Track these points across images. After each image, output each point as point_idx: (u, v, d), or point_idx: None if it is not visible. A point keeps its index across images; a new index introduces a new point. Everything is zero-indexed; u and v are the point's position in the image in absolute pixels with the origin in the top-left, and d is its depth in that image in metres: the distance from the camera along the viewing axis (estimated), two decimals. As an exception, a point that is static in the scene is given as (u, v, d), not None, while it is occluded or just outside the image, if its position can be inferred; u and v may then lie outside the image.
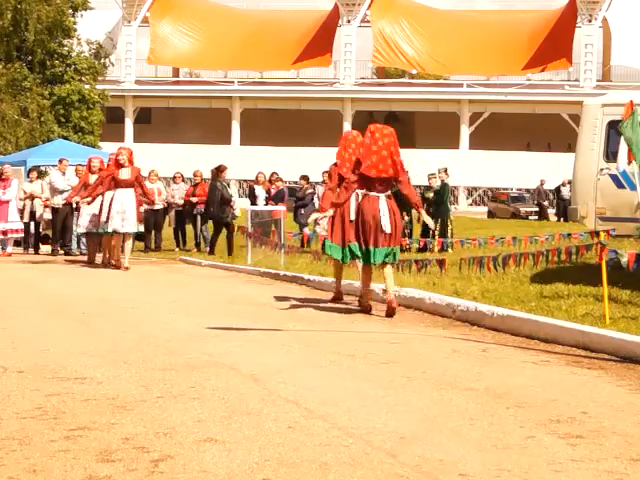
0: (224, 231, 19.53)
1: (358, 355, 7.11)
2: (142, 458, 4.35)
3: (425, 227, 20.18)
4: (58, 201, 20.25)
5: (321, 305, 10.69)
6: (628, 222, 15.21)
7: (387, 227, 9.98)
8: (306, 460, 4.32)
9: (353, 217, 10.29)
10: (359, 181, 10.15)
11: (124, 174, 16.06)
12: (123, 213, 15.92)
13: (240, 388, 5.85)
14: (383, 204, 10.11)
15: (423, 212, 11.28)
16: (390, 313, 9.68)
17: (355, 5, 55.07)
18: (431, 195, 20.48)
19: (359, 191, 10.29)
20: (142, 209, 17.74)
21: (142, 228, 17.27)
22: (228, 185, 20.63)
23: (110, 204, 15.99)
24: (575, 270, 11.55)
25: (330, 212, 10.54)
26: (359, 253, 10.10)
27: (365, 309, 10.13)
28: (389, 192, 10.28)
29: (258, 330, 8.42)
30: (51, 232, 21.61)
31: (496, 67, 53.00)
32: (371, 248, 9.97)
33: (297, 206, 21.61)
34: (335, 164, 11.15)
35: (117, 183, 16.05)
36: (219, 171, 20.13)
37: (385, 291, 10.04)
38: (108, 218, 15.99)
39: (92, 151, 27.05)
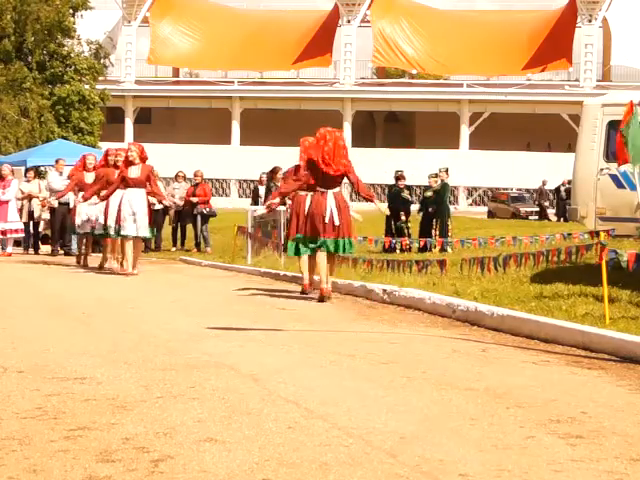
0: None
1: (358, 355, 7.11)
2: (142, 458, 4.35)
3: (423, 227, 20.22)
4: (55, 201, 20.25)
5: (293, 295, 11.81)
6: (628, 222, 15.20)
7: (336, 220, 11.21)
8: (306, 460, 4.32)
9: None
10: (311, 178, 11.44)
11: (133, 172, 14.77)
12: (134, 215, 14.68)
13: (240, 388, 5.85)
14: (331, 199, 11.28)
15: (377, 202, 12.22)
16: (322, 299, 10.97)
17: (355, 5, 55.06)
18: (428, 194, 20.52)
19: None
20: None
21: (152, 232, 16.04)
22: (394, 186, 20.04)
23: (119, 205, 14.76)
24: (575, 270, 11.55)
25: (277, 200, 12.54)
26: (309, 245, 11.35)
27: (320, 297, 11.13)
28: (337, 189, 11.45)
29: (258, 330, 8.42)
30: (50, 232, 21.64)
31: (496, 67, 53.00)
32: (321, 238, 11.20)
33: None
34: (297, 166, 12.46)
35: (126, 182, 14.74)
36: (274, 173, 19.75)
37: (320, 281, 11.22)
38: (118, 220, 14.75)
39: (92, 151, 27.05)
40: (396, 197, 20.80)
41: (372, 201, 11.93)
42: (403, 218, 20.11)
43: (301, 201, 11.69)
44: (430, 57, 54.16)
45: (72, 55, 37.50)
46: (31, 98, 35.01)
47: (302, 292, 11.82)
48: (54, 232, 21.08)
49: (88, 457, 4.37)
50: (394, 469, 4.20)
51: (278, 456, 4.38)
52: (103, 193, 15.17)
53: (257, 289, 12.46)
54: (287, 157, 50.26)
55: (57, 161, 21.22)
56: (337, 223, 11.20)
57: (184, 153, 50.33)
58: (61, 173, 20.90)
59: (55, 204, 19.92)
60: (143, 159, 14.90)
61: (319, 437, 4.71)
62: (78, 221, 16.74)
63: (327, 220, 11.18)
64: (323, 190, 11.35)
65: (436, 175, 20.95)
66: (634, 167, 11.54)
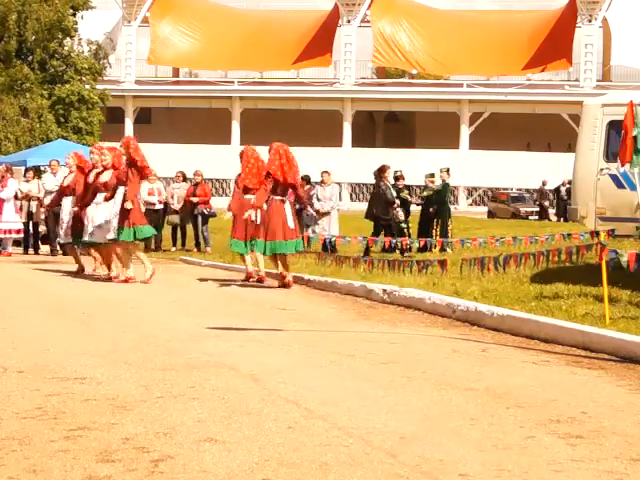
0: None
1: (358, 355, 7.11)
2: (142, 458, 4.35)
3: (422, 227, 20.21)
4: (47, 202, 20.18)
5: (239, 283, 13.53)
6: (628, 222, 15.20)
7: (291, 224, 12.87)
8: (306, 460, 4.32)
9: (259, 219, 13.01)
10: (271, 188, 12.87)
11: (104, 177, 13.97)
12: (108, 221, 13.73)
13: (240, 388, 5.85)
14: (288, 206, 12.97)
15: (309, 208, 15.28)
16: (287, 286, 12.70)
17: (355, 5, 55.03)
18: (425, 194, 20.49)
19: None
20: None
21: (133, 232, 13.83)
22: (393, 186, 19.67)
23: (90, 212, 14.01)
24: (575, 270, 11.56)
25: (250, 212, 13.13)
26: (262, 249, 12.92)
27: (284, 285, 12.83)
28: (287, 196, 13.05)
29: (258, 330, 8.42)
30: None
31: (496, 67, 52.98)
32: (282, 241, 12.77)
33: (300, 207, 20.85)
34: (240, 175, 14.02)
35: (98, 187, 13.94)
36: (381, 171, 19.18)
37: (282, 273, 12.96)
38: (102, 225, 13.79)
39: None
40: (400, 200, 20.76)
41: (306, 206, 14.96)
42: (402, 218, 20.07)
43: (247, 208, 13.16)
44: (430, 57, 54.13)
45: (72, 55, 37.52)
46: (31, 98, 35.02)
47: (246, 279, 13.75)
48: (49, 232, 21.07)
49: (88, 457, 4.37)
50: (394, 469, 4.20)
51: (278, 456, 4.38)
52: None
53: (215, 279, 13.92)
54: (287, 157, 49.87)
55: (50, 162, 21.15)
56: (292, 227, 12.92)
57: (184, 153, 50.30)
58: (55, 174, 20.82)
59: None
60: (115, 166, 13.95)
61: (319, 437, 4.71)
62: (90, 228, 14.82)
63: (289, 224, 12.84)
64: (282, 198, 12.92)
65: (432, 175, 20.92)
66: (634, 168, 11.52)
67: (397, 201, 19.14)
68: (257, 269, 13.59)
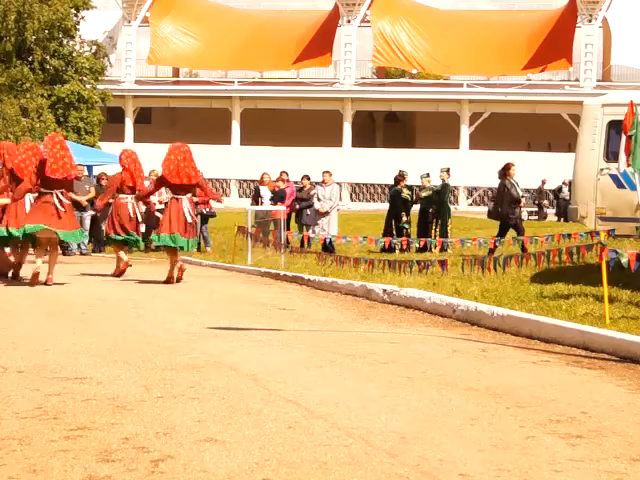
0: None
1: (358, 355, 7.11)
2: (142, 458, 4.35)
3: (422, 227, 20.20)
4: None
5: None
6: (628, 222, 15.21)
7: (189, 220, 13.52)
8: (306, 460, 4.32)
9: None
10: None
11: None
12: None
13: (240, 388, 5.85)
14: (186, 204, 13.67)
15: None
16: (178, 279, 13.29)
17: (355, 5, 54.99)
18: (424, 194, 20.48)
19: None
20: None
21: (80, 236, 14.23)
22: (517, 184, 19.24)
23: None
24: (575, 270, 11.56)
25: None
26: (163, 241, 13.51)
27: (168, 281, 13.33)
28: (189, 195, 13.78)
29: (258, 330, 8.42)
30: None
31: (496, 67, 52.94)
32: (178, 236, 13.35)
33: (302, 207, 20.85)
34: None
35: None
36: (506, 169, 18.52)
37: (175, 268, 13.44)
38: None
39: (92, 151, 27.03)
40: (396, 197, 20.76)
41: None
42: (404, 219, 20.06)
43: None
44: (430, 57, 54.09)
45: (73, 55, 37.51)
46: (31, 98, 35.02)
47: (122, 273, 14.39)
48: None
49: (88, 457, 4.37)
50: (394, 469, 4.20)
51: (278, 456, 4.38)
52: None
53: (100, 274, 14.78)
54: (288, 157, 50.14)
55: None
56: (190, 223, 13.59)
57: (184, 153, 50.18)
58: None
59: None
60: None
61: (319, 437, 4.71)
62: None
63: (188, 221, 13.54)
64: (179, 197, 13.77)
65: (428, 175, 20.90)
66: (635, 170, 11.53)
67: (523, 200, 18.48)
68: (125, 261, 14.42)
